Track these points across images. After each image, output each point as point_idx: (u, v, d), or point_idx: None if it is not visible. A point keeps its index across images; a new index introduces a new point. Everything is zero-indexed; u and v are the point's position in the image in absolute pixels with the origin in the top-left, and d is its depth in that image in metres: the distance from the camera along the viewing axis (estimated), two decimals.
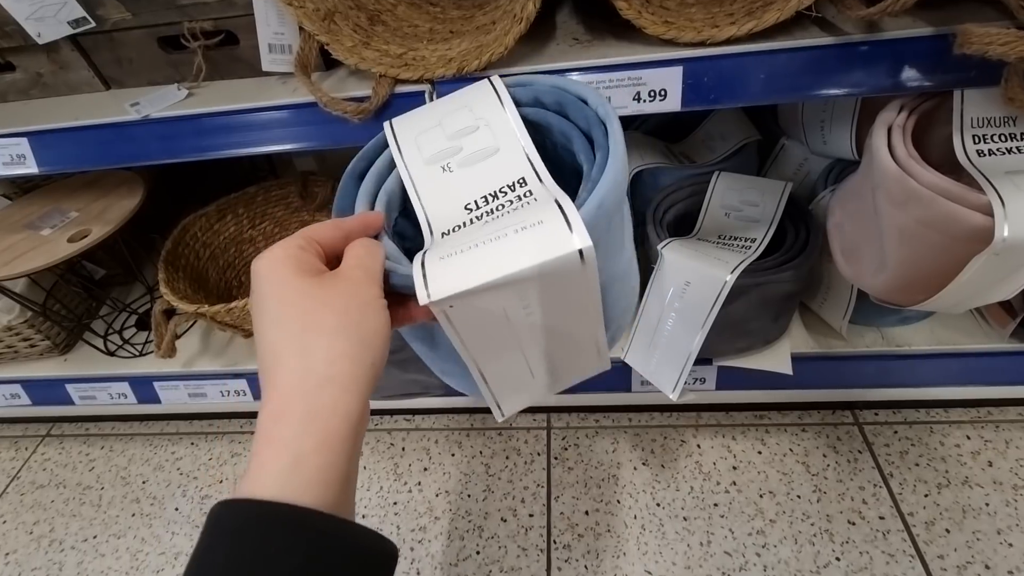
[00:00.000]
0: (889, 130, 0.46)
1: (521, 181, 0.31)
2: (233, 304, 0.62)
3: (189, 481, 0.80)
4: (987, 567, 0.59)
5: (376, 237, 0.31)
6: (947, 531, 0.63)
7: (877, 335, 0.65)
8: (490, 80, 0.35)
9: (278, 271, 0.24)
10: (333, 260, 0.28)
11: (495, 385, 0.33)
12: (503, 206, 0.30)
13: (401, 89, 0.51)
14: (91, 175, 0.74)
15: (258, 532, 0.19)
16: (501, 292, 0.26)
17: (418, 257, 0.28)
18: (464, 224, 0.30)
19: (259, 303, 0.24)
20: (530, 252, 0.25)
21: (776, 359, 0.62)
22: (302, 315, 0.23)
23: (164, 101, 0.56)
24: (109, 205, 0.68)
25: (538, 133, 0.34)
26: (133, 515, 0.77)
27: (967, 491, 0.66)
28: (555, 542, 0.67)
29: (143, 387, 0.75)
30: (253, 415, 0.85)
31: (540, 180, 0.31)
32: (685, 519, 0.67)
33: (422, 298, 0.25)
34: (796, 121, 0.64)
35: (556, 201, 0.27)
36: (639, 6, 0.45)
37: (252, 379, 0.73)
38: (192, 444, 0.84)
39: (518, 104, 0.35)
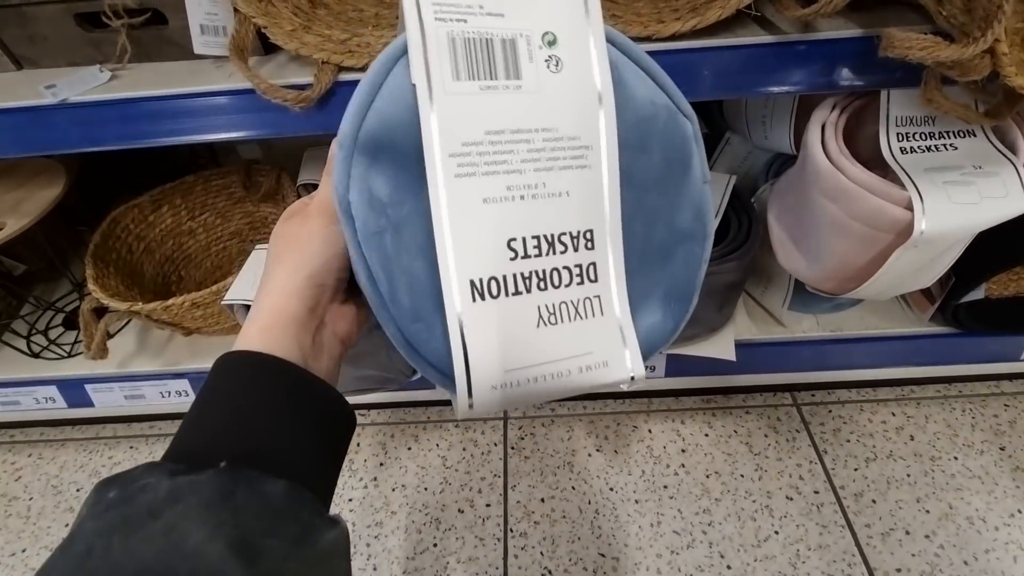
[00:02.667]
0: (823, 127, 0.49)
1: (588, 235, 0.25)
2: (171, 301, 0.59)
3: None
4: (907, 532, 0.65)
5: None
6: (873, 501, 0.67)
7: (813, 321, 0.69)
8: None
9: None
10: None
11: None
12: (559, 276, 0.25)
13: (345, 77, 0.49)
14: (6, 163, 0.68)
15: (257, 371, 0.26)
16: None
17: (457, 335, 0.23)
18: (505, 282, 0.24)
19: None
20: (586, 383, 0.25)
21: (721, 346, 0.65)
22: (271, 249, 0.30)
23: (84, 84, 0.52)
24: (26, 196, 0.63)
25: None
26: (66, 525, 0.72)
27: (891, 464, 0.71)
28: (512, 530, 0.68)
29: (73, 390, 0.70)
30: None
31: (607, 251, 0.25)
32: (637, 502, 0.69)
33: (463, 409, 0.24)
34: (740, 116, 0.66)
35: (622, 331, 0.25)
36: None
37: (194, 378, 0.69)
38: (131, 448, 0.80)
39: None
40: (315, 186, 0.76)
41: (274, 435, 0.25)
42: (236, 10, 0.48)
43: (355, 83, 0.48)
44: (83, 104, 0.51)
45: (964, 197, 0.42)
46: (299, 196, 0.75)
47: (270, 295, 0.28)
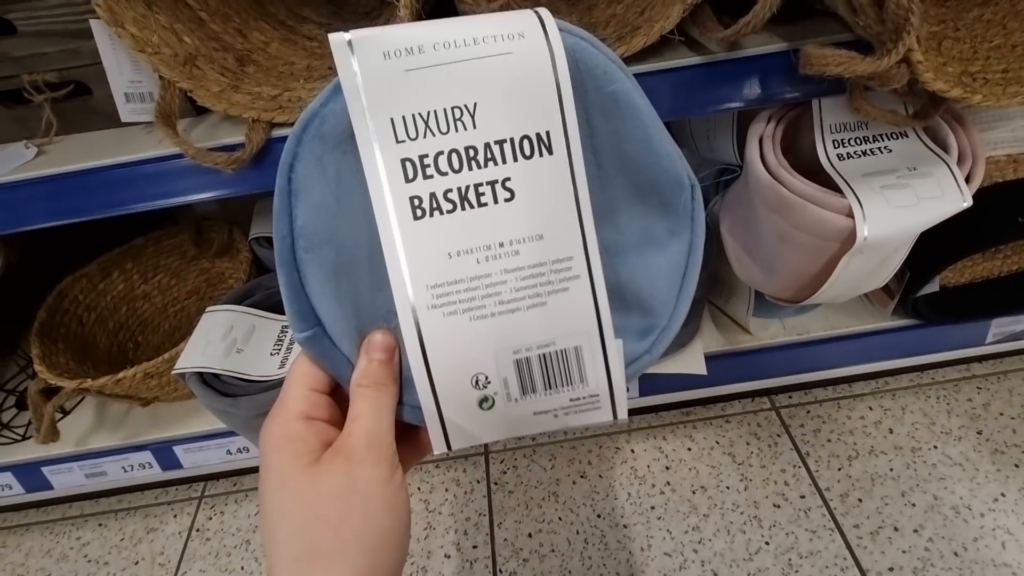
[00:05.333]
0: (760, 140, 0.49)
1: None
2: (122, 374, 0.57)
3: (99, 568, 0.72)
4: (896, 529, 0.64)
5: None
6: (860, 500, 0.67)
7: (780, 326, 0.69)
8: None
9: (275, 460, 0.22)
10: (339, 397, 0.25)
11: None
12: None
13: (279, 133, 0.48)
14: None
15: None
16: None
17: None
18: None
19: (263, 488, 0.22)
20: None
21: (691, 361, 0.64)
22: (298, 532, 0.21)
23: (10, 162, 0.51)
24: None
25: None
26: None
27: (873, 460, 0.71)
28: (500, 571, 0.66)
29: (30, 474, 0.67)
30: (168, 483, 0.79)
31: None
32: (625, 527, 0.68)
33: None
34: (686, 129, 0.66)
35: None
36: None
37: (157, 450, 0.67)
38: (100, 525, 0.77)
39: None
40: (268, 239, 0.75)
41: None
42: (160, 76, 0.47)
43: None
44: (8, 184, 0.49)
45: (901, 200, 0.42)
46: (251, 250, 0.74)
47: None
